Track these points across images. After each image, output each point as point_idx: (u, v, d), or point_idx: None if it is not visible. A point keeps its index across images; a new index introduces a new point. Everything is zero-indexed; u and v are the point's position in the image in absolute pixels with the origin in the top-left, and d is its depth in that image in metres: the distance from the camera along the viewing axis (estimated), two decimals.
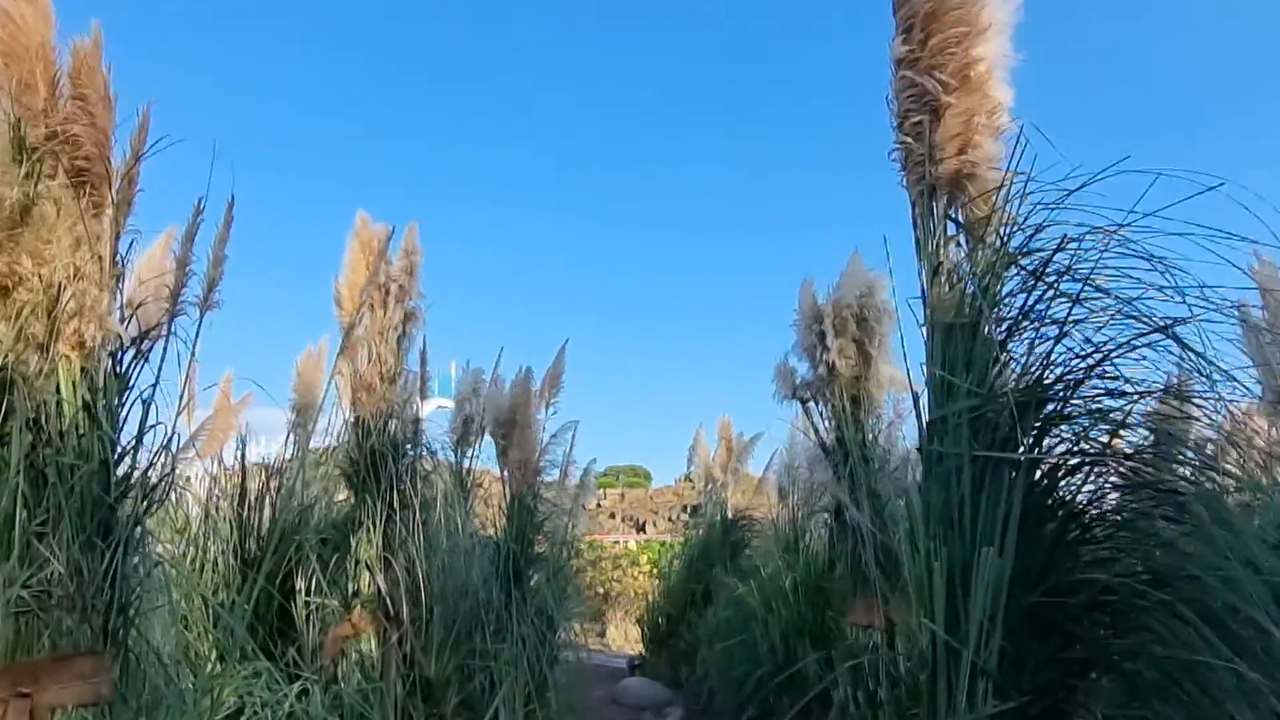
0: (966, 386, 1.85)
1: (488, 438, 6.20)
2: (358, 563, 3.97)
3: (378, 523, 3.91)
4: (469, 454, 5.98)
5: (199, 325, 2.76)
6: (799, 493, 7.11)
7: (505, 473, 5.02)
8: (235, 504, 4.88)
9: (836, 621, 5.49)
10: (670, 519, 28.71)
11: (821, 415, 4.88)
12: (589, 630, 10.37)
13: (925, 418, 2.06)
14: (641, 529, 28.92)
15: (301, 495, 4.58)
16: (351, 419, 4.12)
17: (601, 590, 13.90)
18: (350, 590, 3.96)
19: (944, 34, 2.04)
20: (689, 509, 28.92)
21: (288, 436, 5.08)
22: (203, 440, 4.54)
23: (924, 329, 2.08)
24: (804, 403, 5.02)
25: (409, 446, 4.10)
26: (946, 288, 2.02)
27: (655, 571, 15.47)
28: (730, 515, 8.37)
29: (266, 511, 4.54)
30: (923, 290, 2.08)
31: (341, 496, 4.81)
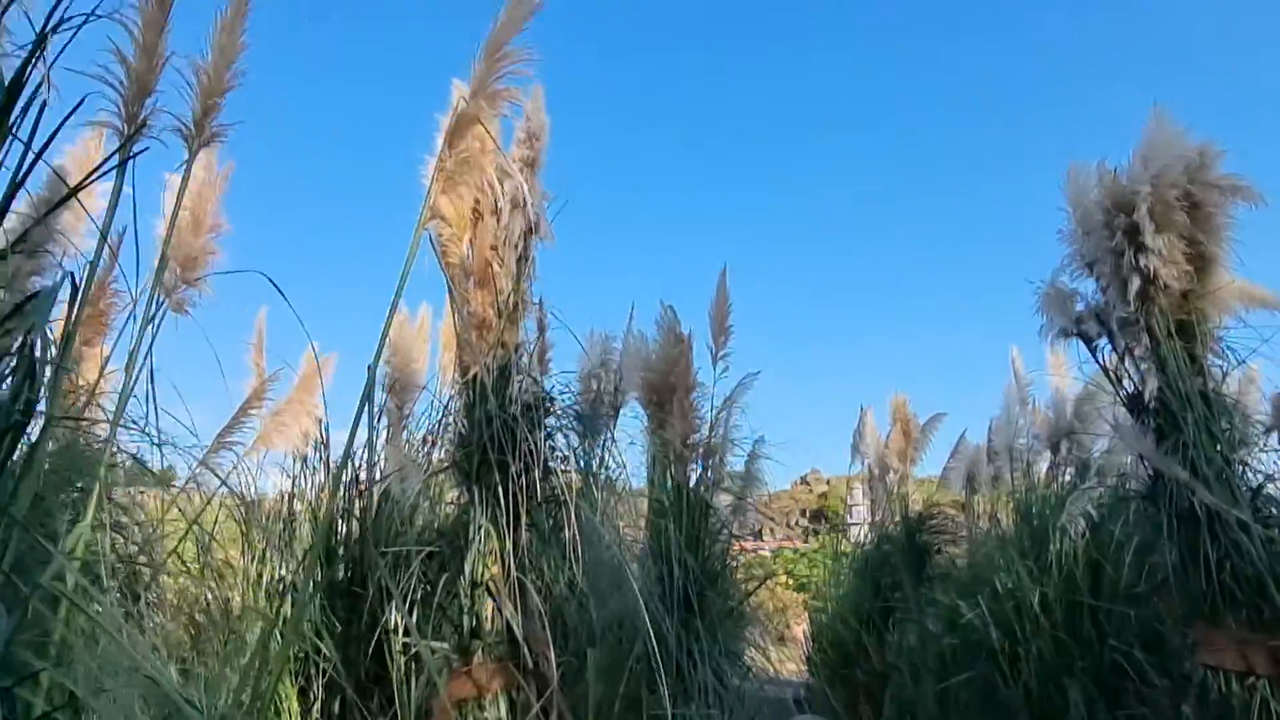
0: None
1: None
2: (475, 586, 2.67)
3: (502, 528, 2.60)
4: (601, 443, 4.66)
5: (186, 167, 1.49)
6: (1024, 478, 5.54)
7: (660, 454, 3.66)
8: (315, 507, 3.74)
9: (1129, 658, 3.92)
10: (789, 525, 27.12)
11: (1126, 356, 3.32)
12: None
13: None
14: (758, 535, 27.42)
15: (398, 494, 3.37)
16: (458, 378, 2.84)
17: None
18: (466, 627, 2.66)
19: None
20: (808, 514, 27.15)
21: (377, 420, 3.87)
22: (265, 424, 3.37)
23: None
24: (1089, 340, 3.46)
25: (541, 414, 2.77)
26: None
27: (790, 583, 13.89)
28: (915, 514, 6.78)
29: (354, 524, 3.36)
30: None
31: (451, 498, 3.57)
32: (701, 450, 3.59)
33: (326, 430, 3.59)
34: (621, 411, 4.84)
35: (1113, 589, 4.22)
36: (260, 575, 3.65)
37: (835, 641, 7.05)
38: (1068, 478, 5.05)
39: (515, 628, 2.52)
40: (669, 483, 3.58)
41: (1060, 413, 4.92)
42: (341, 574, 3.28)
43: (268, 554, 3.66)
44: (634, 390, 3.77)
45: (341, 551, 3.37)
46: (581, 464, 4.08)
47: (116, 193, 1.50)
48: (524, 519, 2.57)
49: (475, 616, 2.64)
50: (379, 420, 3.91)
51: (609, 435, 4.66)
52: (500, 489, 2.57)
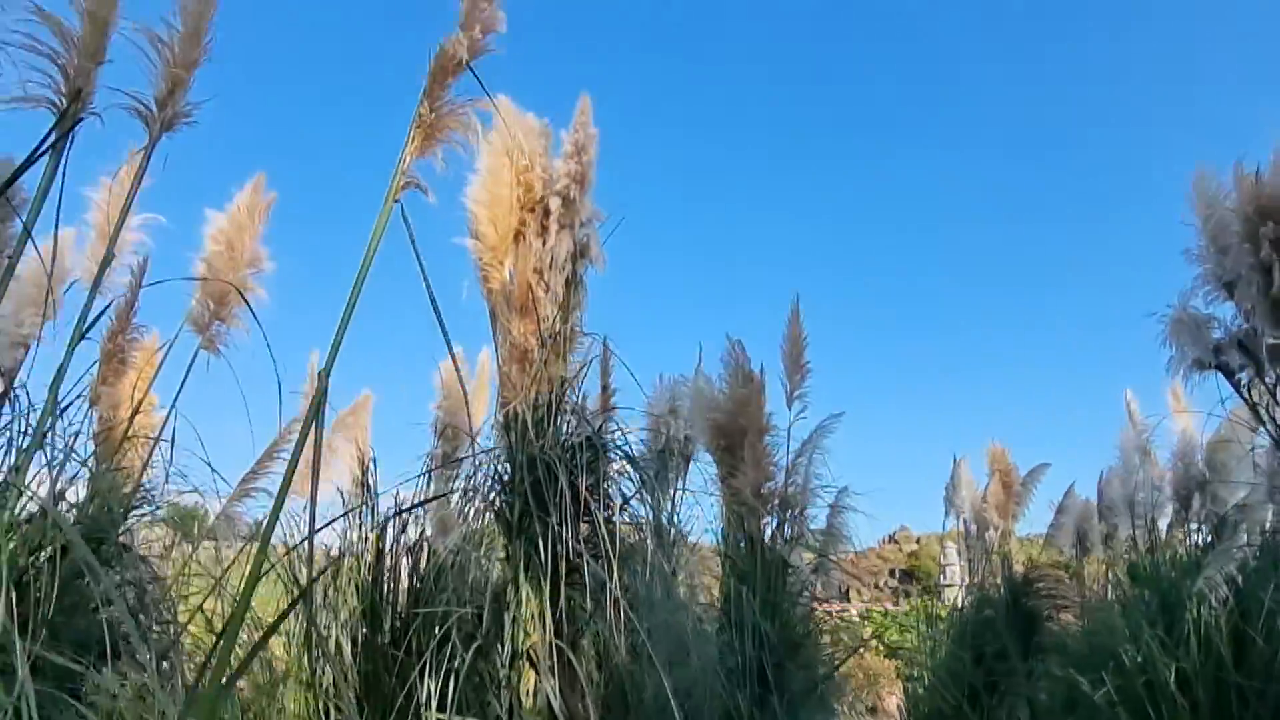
0: None
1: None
2: (515, 656, 2.34)
3: (543, 587, 2.28)
4: (670, 495, 4.30)
5: (145, 154, 1.27)
6: (1148, 536, 4.91)
7: (731, 505, 3.29)
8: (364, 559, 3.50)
9: None
10: (877, 585, 25.88)
11: (1279, 388, 2.82)
12: None
13: None
14: (845, 596, 26.28)
15: (439, 549, 3.10)
16: (499, 418, 2.56)
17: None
18: (505, 704, 2.33)
19: None
20: (897, 574, 25.82)
21: (426, 469, 3.64)
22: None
23: None
24: (1229, 373, 2.97)
25: (587, 458, 2.45)
26: None
27: (881, 649, 13.02)
28: (1019, 575, 6.17)
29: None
30: None
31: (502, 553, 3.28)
32: (777, 501, 3.21)
33: (370, 477, 3.37)
34: (693, 461, 4.49)
35: (1266, 665, 3.64)
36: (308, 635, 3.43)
37: (933, 714, 6.40)
38: (1201, 536, 4.44)
39: (555, 705, 2.17)
40: (742, 538, 3.20)
41: (1189, 460, 4.33)
42: (388, 637, 3.02)
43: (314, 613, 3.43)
44: (700, 434, 3.42)
45: (388, 612, 3.13)
46: (645, 515, 3.75)
47: (49, 177, 1.29)
48: (564, 577, 2.25)
49: (514, 690, 2.31)
50: (426, 467, 3.69)
51: (676, 485, 4.32)
52: (541, 542, 2.26)
